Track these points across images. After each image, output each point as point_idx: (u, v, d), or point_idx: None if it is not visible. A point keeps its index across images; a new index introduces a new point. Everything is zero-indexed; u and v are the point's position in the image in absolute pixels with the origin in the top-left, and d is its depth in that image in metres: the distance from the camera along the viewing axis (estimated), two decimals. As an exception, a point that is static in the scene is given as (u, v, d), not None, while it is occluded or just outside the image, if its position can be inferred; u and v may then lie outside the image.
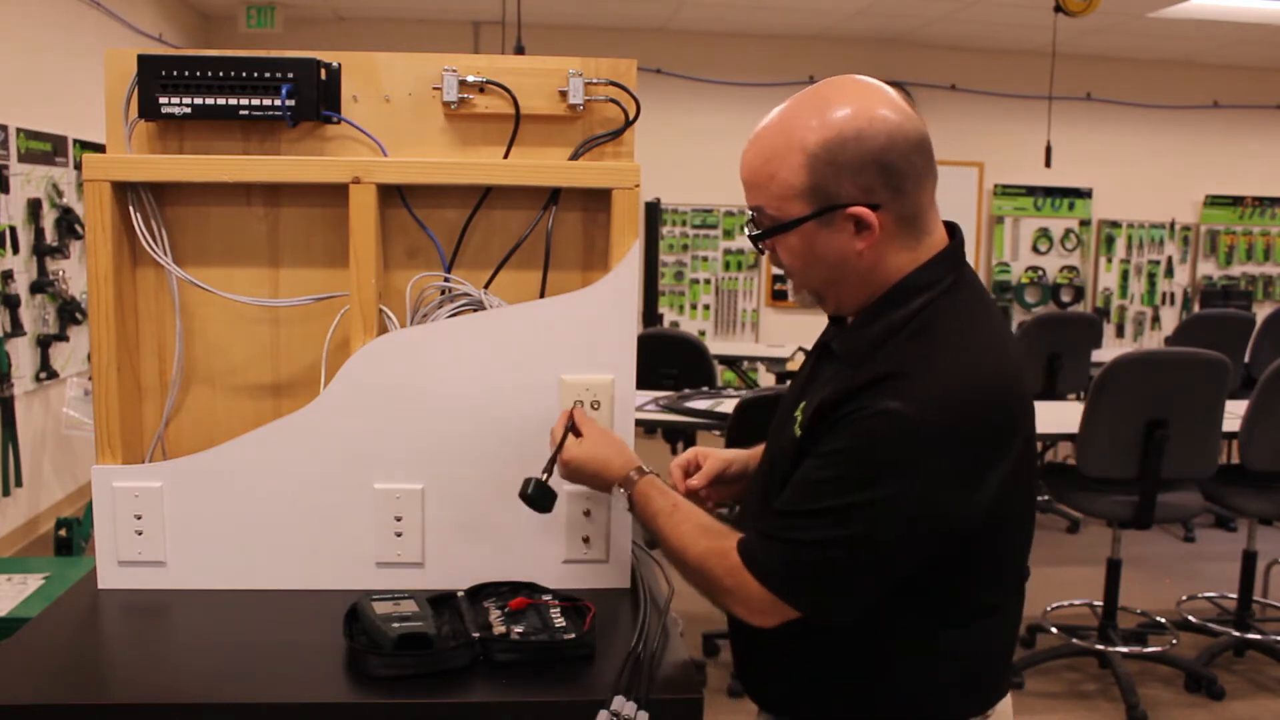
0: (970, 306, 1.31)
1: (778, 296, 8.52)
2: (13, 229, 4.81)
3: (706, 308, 8.54)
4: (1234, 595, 4.03)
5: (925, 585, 1.28)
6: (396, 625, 1.35)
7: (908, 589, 1.27)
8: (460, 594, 1.50)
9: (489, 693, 1.31)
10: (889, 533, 1.22)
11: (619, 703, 1.26)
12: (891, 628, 1.31)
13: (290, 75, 1.60)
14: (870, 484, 1.21)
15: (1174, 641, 3.88)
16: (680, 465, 1.63)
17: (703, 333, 8.43)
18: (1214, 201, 8.72)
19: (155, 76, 1.59)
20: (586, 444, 1.50)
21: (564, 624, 1.42)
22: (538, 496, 1.47)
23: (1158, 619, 4.07)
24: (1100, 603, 3.83)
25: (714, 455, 1.62)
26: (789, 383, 1.63)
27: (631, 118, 1.67)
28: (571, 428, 1.52)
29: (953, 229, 1.35)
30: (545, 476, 1.48)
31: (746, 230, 1.37)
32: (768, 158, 1.28)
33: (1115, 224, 8.70)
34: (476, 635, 1.37)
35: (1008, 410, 1.26)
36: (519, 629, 1.40)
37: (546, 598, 1.49)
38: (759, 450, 1.62)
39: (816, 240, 1.28)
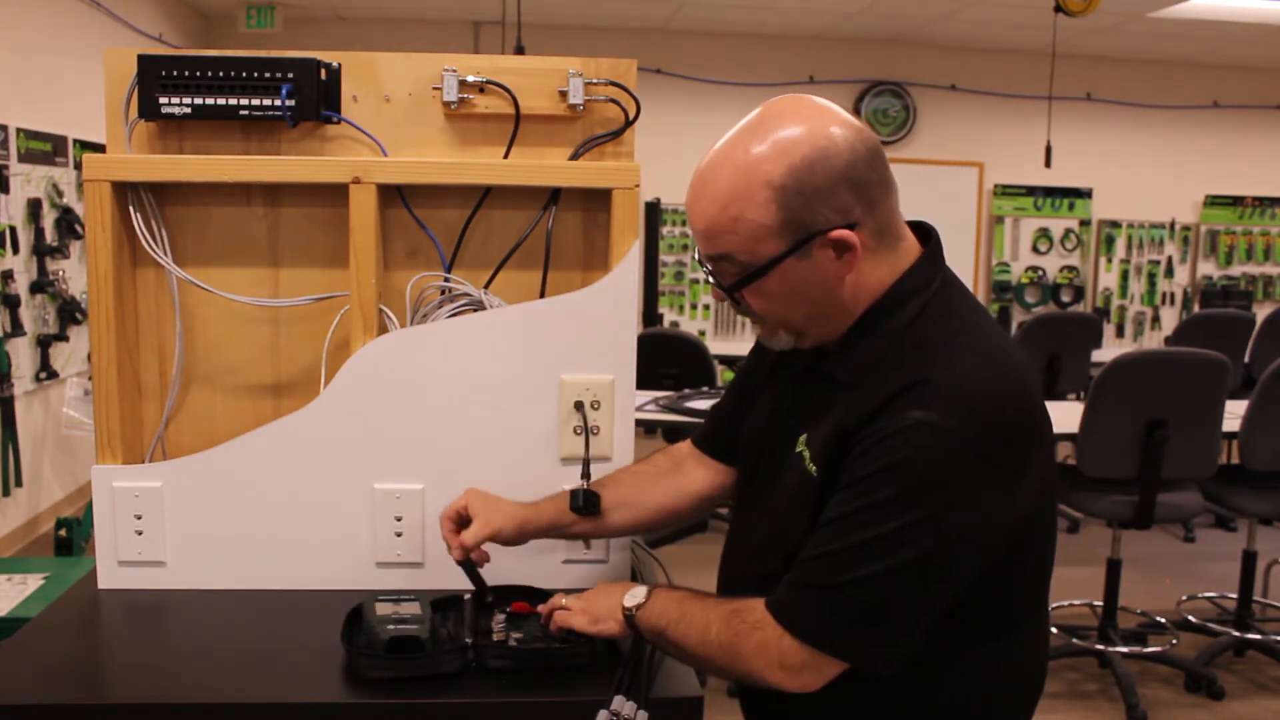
0: (964, 306, 1.25)
1: (778, 296, 8.50)
2: (13, 229, 4.80)
3: (706, 308, 8.53)
4: (1234, 595, 4.02)
5: (974, 600, 1.19)
6: (390, 628, 1.34)
7: (955, 610, 1.17)
8: (465, 596, 1.49)
9: (488, 692, 1.31)
10: (942, 552, 1.12)
11: (619, 703, 1.26)
12: (939, 652, 1.21)
13: (290, 75, 1.60)
14: (914, 503, 1.11)
15: (1174, 641, 3.87)
16: (451, 519, 1.46)
17: (703, 333, 8.42)
18: (1214, 201, 8.71)
19: (155, 76, 1.59)
20: (581, 603, 1.37)
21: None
22: (586, 505, 1.52)
23: (1158, 619, 4.07)
24: (1100, 603, 3.83)
25: (481, 518, 1.44)
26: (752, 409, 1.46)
27: (631, 118, 1.67)
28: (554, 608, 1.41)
29: (927, 230, 1.29)
30: (585, 484, 1.52)
31: (710, 283, 1.24)
32: (726, 202, 1.16)
33: (1115, 224, 8.70)
34: (469, 641, 1.36)
35: (1035, 406, 1.20)
36: (518, 635, 1.39)
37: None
38: (540, 505, 1.50)
39: (795, 276, 1.18)
